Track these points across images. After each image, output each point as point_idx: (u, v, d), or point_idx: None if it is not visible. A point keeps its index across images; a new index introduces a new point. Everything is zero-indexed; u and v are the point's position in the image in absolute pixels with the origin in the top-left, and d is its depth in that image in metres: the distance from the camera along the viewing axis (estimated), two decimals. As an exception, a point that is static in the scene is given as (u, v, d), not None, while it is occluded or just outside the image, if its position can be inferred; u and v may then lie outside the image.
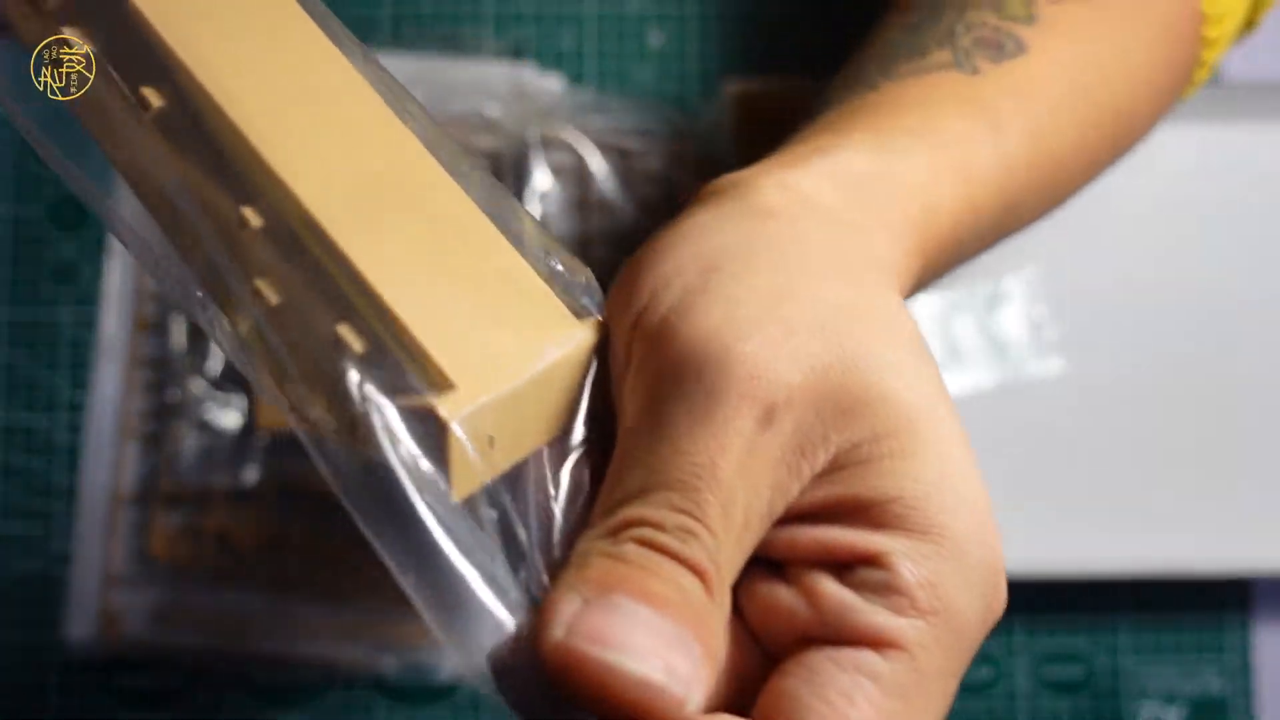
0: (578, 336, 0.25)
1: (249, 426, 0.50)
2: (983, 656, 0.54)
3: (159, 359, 0.53)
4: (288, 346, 0.24)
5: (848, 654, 0.22)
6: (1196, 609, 0.55)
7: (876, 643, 0.22)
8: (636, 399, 0.23)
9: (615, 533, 0.22)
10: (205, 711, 0.53)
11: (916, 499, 0.22)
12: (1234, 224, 0.55)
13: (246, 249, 0.25)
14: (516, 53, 0.56)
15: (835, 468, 0.23)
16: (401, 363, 0.24)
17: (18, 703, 0.53)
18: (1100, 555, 0.53)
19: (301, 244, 0.24)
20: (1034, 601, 0.54)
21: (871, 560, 0.22)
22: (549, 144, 0.51)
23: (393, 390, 0.23)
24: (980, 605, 0.22)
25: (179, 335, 0.52)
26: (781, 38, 0.57)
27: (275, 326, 0.24)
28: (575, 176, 0.51)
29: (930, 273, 0.30)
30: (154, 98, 0.25)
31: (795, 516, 0.23)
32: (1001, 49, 0.32)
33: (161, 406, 0.53)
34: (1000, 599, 0.23)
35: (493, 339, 0.24)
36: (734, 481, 0.22)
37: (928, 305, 0.54)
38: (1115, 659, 0.54)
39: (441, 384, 0.23)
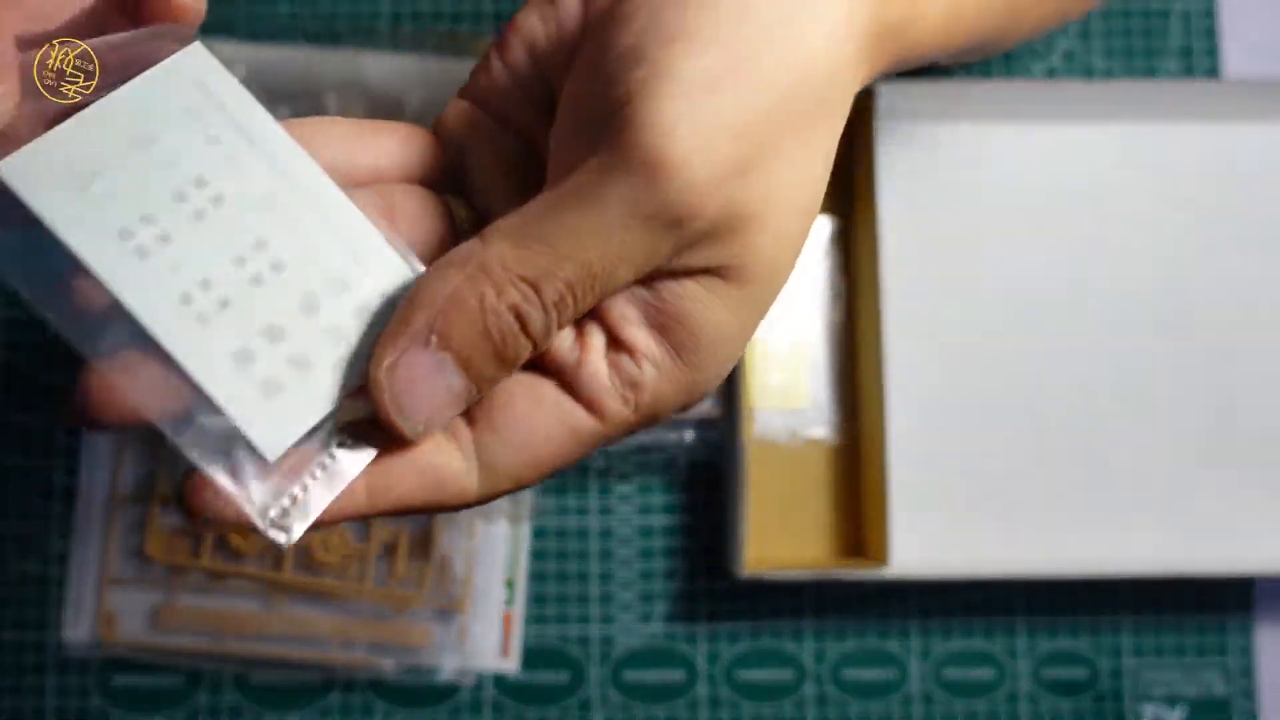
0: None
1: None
2: (985, 657, 0.54)
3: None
4: None
5: (572, 405, 0.28)
6: (1199, 610, 0.55)
7: (595, 410, 0.28)
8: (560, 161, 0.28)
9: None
10: (202, 712, 0.53)
11: (701, 332, 0.28)
12: (1234, 223, 0.55)
13: None
14: (516, 52, 0.56)
15: (667, 274, 0.28)
16: None
17: (15, 702, 0.53)
18: (1102, 556, 0.53)
19: None
20: (1036, 602, 0.54)
21: (635, 356, 0.28)
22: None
23: None
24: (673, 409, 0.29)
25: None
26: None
27: None
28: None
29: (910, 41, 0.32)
30: None
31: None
32: None
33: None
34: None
35: None
36: (611, 267, 0.26)
37: (928, 307, 0.54)
38: (1117, 660, 0.54)
39: None
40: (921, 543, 0.53)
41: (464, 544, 0.52)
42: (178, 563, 0.52)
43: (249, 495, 0.26)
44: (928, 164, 0.55)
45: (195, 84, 0.28)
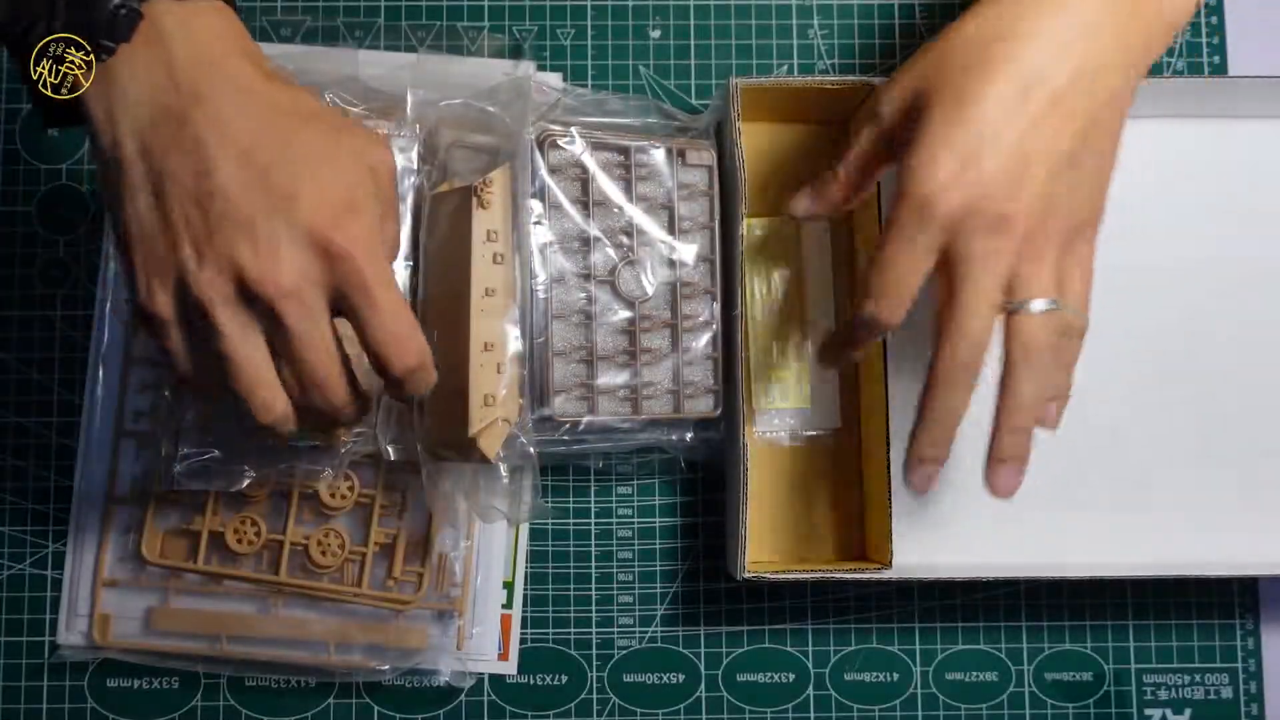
0: None
1: (244, 430, 0.50)
2: (987, 660, 0.54)
3: (154, 360, 0.53)
4: None
5: None
6: (1205, 614, 0.54)
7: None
8: None
9: None
10: (197, 716, 0.53)
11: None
12: (1236, 219, 0.55)
13: None
14: (516, 50, 0.56)
15: None
16: None
17: (10, 704, 0.52)
18: (1108, 557, 0.52)
19: None
20: (1039, 605, 0.54)
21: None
22: (549, 141, 0.51)
23: None
24: None
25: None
26: (782, 36, 0.57)
27: None
28: (575, 173, 0.51)
29: None
30: None
31: None
32: None
33: (156, 408, 0.52)
34: None
35: None
36: None
37: (930, 308, 0.53)
38: (1123, 663, 0.54)
39: None
40: (923, 544, 0.52)
41: (462, 545, 0.52)
42: (174, 565, 0.52)
43: None
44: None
45: None
